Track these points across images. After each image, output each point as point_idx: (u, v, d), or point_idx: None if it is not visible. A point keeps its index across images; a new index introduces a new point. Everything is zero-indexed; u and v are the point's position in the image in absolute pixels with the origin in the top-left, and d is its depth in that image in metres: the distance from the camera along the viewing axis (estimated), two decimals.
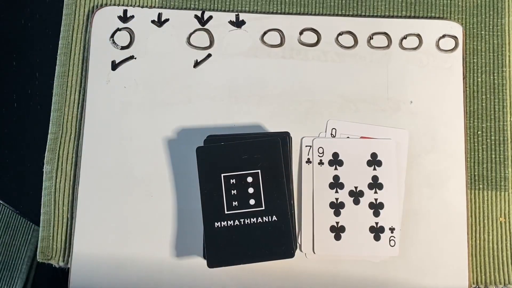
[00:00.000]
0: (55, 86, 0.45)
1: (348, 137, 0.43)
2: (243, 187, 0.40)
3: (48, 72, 0.46)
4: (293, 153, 0.43)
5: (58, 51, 0.45)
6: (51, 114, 0.44)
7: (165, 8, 0.46)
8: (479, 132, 0.44)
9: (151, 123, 0.43)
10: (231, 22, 0.45)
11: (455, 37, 0.45)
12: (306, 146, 0.43)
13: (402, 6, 0.46)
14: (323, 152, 0.43)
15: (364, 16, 0.46)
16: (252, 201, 0.39)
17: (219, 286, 0.41)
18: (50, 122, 0.44)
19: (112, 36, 0.45)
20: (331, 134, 0.43)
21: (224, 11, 0.46)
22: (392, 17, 0.46)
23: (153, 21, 0.45)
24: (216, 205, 0.39)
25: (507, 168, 0.44)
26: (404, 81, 0.44)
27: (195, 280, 0.41)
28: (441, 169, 0.43)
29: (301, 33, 0.45)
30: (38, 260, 0.43)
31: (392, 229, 0.41)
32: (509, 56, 0.46)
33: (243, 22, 0.45)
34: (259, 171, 0.40)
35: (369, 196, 0.42)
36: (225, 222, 0.39)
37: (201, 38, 0.45)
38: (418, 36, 0.45)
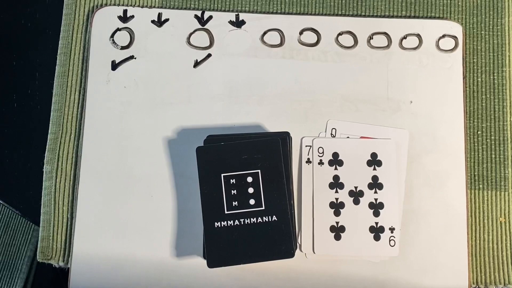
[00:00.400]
0: (55, 86, 0.45)
1: (348, 137, 0.43)
2: (243, 187, 0.40)
3: (48, 72, 0.46)
4: (293, 153, 0.43)
5: (58, 51, 0.45)
6: (51, 114, 0.44)
7: (165, 8, 0.46)
8: (479, 132, 0.44)
9: (151, 123, 0.43)
10: (231, 22, 0.45)
11: (455, 37, 0.45)
12: (306, 146, 0.43)
13: (402, 6, 0.46)
14: (323, 152, 0.43)
15: (364, 16, 0.46)
16: (252, 201, 0.39)
17: (219, 286, 0.41)
18: (50, 122, 0.44)
19: (112, 36, 0.45)
20: (331, 134, 0.43)
21: (224, 11, 0.46)
22: (392, 17, 0.46)
23: (153, 21, 0.45)
24: (216, 205, 0.39)
25: (507, 168, 0.44)
26: (404, 81, 0.44)
27: (195, 280, 0.41)
28: (441, 169, 0.43)
29: (301, 33, 0.45)
30: (38, 260, 0.43)
31: (392, 229, 0.41)
32: (509, 56, 0.46)
33: (243, 22, 0.45)
34: (259, 171, 0.40)
35: (369, 196, 0.42)
36: (225, 222, 0.39)
37: (201, 38, 0.45)
38: (418, 36, 0.45)
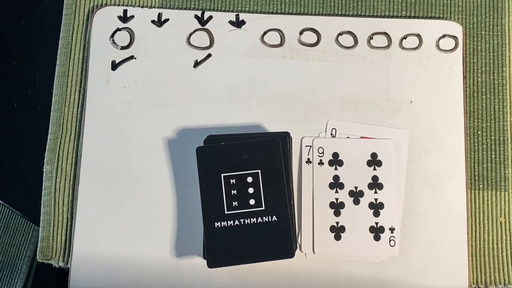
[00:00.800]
0: (55, 86, 0.45)
1: (348, 137, 0.43)
2: (243, 187, 0.40)
3: (48, 72, 0.46)
4: (293, 153, 0.43)
5: (58, 51, 0.45)
6: (51, 114, 0.44)
7: (165, 8, 0.46)
8: (479, 132, 0.44)
9: (151, 123, 0.43)
10: (231, 22, 0.45)
11: (455, 37, 0.45)
12: (306, 146, 0.43)
13: (402, 6, 0.46)
14: (323, 152, 0.43)
15: (364, 16, 0.46)
16: (252, 201, 0.39)
17: (219, 286, 0.41)
18: (50, 122, 0.44)
19: (112, 36, 0.45)
20: (331, 134, 0.43)
21: (224, 11, 0.46)
22: (392, 17, 0.46)
23: (153, 21, 0.45)
24: (216, 205, 0.39)
25: (507, 168, 0.44)
26: (404, 81, 0.44)
27: (195, 280, 0.41)
28: (441, 169, 0.43)
29: (301, 33, 0.45)
30: (38, 260, 0.43)
31: (392, 229, 0.41)
32: (509, 56, 0.46)
33: (243, 22, 0.45)
34: (259, 171, 0.40)
35: (369, 196, 0.42)
36: (225, 222, 0.39)
37: (201, 38, 0.45)
38: (418, 36, 0.45)
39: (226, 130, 0.43)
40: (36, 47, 0.47)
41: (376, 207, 0.42)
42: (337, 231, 0.41)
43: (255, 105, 0.44)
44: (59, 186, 0.43)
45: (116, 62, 0.45)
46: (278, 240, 0.39)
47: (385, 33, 0.45)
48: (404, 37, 0.45)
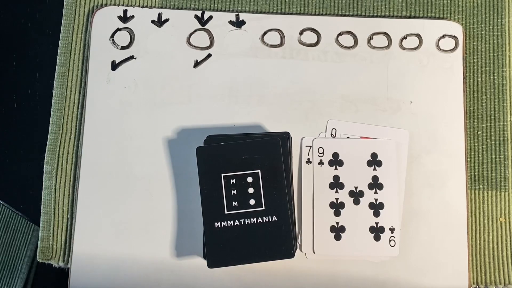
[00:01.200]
0: (55, 86, 0.45)
1: (348, 137, 0.43)
2: (243, 187, 0.40)
3: (48, 72, 0.46)
4: (293, 153, 0.43)
5: (58, 51, 0.45)
6: (51, 114, 0.44)
7: (165, 8, 0.46)
8: (479, 132, 0.44)
9: (151, 123, 0.43)
10: (231, 22, 0.45)
11: (455, 37, 0.45)
12: (306, 146, 0.43)
13: (402, 6, 0.46)
14: (323, 152, 0.43)
15: (364, 16, 0.46)
16: (252, 201, 0.39)
17: (219, 286, 0.41)
18: (50, 122, 0.44)
19: (112, 36, 0.45)
20: (331, 134, 0.43)
21: (224, 11, 0.46)
22: (392, 17, 0.46)
23: (153, 21, 0.45)
24: (216, 205, 0.39)
25: (507, 168, 0.44)
26: (404, 81, 0.44)
27: (195, 280, 0.41)
28: (441, 169, 0.43)
29: (301, 33, 0.45)
30: (38, 260, 0.43)
31: (392, 229, 0.41)
32: (509, 56, 0.46)
33: (243, 22, 0.45)
34: (259, 171, 0.40)
35: (369, 196, 0.42)
36: (225, 222, 0.39)
37: (201, 38, 0.45)
38: (418, 36, 0.45)
39: (226, 130, 0.43)
40: (36, 47, 0.47)
41: (376, 207, 0.42)
42: (337, 231, 0.41)
43: (255, 105, 0.44)
44: (59, 186, 0.43)
45: (116, 62, 0.45)
46: (278, 240, 0.39)
47: (385, 33, 0.45)
48: (404, 37, 0.45)
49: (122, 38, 0.45)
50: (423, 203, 0.43)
